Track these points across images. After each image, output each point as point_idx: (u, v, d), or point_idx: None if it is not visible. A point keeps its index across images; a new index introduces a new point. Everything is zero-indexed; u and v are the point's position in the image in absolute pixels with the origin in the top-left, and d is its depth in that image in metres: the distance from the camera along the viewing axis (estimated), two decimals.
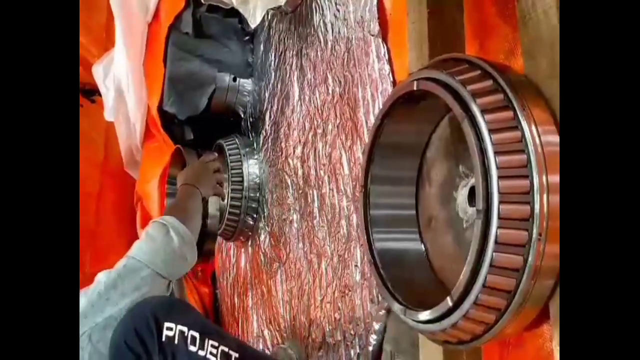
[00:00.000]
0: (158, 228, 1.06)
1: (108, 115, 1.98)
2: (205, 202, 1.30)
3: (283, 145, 1.45)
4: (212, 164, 1.38)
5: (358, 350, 1.02)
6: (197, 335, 0.87)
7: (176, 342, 0.85)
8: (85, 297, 0.93)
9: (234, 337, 1.08)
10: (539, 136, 0.56)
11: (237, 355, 0.90)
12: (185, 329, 0.87)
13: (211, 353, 0.87)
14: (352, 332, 1.05)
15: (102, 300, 0.93)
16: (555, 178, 0.55)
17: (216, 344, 0.89)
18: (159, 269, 0.99)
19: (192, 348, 0.86)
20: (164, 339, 0.85)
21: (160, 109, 1.76)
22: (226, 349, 0.89)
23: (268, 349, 1.41)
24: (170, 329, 0.86)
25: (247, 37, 1.74)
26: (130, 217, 2.08)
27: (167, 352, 0.85)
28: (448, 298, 0.60)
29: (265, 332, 1.45)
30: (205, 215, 1.35)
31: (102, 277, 0.96)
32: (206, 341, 0.88)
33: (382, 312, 0.94)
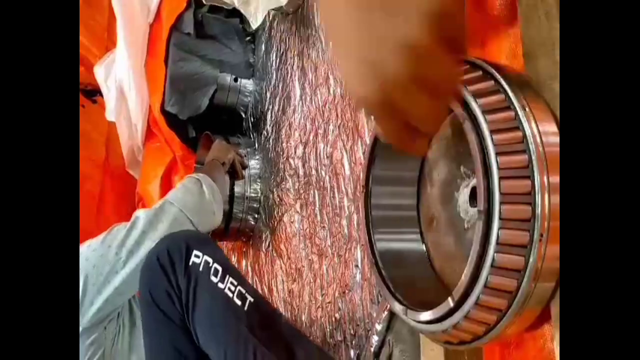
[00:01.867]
0: (193, 181, 1.19)
1: (109, 116, 1.99)
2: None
3: (284, 145, 1.45)
4: (235, 148, 1.54)
5: (358, 351, 1.02)
6: (220, 268, 0.95)
7: (200, 269, 0.93)
8: (125, 230, 1.11)
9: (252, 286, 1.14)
10: (540, 137, 0.57)
11: (252, 299, 0.96)
12: (210, 260, 0.95)
13: (229, 289, 0.94)
14: (352, 332, 1.05)
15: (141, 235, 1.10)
16: (556, 179, 0.55)
17: (235, 282, 0.96)
18: (190, 214, 1.12)
19: (214, 279, 0.93)
20: (190, 263, 0.93)
21: (162, 109, 1.76)
22: (243, 290, 0.96)
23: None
24: (197, 256, 0.94)
25: (248, 38, 1.74)
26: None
27: (191, 275, 0.92)
28: (449, 298, 0.60)
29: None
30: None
31: (140, 214, 1.13)
32: (227, 277, 0.95)
33: (385, 313, 0.94)
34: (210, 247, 0.99)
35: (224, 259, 1.01)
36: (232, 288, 0.94)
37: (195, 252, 0.94)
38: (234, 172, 1.51)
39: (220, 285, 0.93)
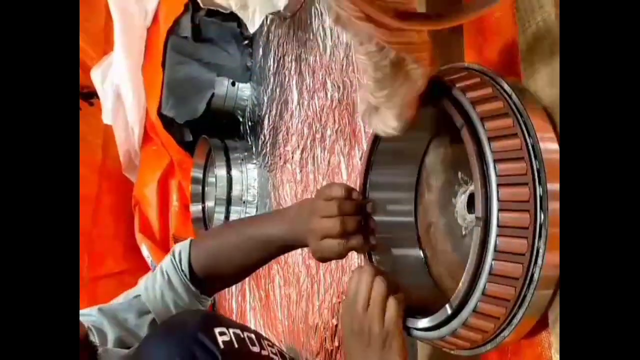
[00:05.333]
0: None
1: (106, 119, 1.98)
2: None
3: (282, 150, 1.45)
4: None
5: None
6: (252, 335, 0.80)
7: (236, 345, 0.74)
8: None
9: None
10: (539, 144, 0.56)
11: (289, 354, 0.87)
12: (238, 330, 0.77)
13: (272, 352, 0.81)
14: None
15: None
16: (555, 186, 0.55)
17: (270, 342, 0.84)
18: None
19: (255, 349, 0.78)
20: (221, 345, 0.72)
21: (159, 112, 1.76)
22: (281, 349, 0.86)
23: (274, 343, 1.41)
24: (223, 333, 0.74)
25: (246, 42, 1.74)
26: (128, 221, 2.07)
27: (229, 358, 0.72)
28: (447, 306, 0.60)
29: (270, 336, 1.45)
30: None
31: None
32: (262, 341, 0.81)
33: None
34: (223, 317, 0.82)
35: (239, 322, 0.86)
36: (273, 350, 0.82)
37: (217, 330, 0.73)
38: None
39: (264, 352, 0.79)
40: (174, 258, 0.86)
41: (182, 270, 0.84)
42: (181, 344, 0.70)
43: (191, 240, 0.87)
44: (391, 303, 0.64)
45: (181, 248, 0.86)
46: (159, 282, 0.85)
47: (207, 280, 0.86)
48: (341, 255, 0.73)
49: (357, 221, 0.73)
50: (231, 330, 0.75)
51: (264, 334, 1.43)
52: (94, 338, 0.78)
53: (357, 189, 0.76)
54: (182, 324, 0.74)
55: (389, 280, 0.66)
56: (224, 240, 0.85)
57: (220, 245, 0.85)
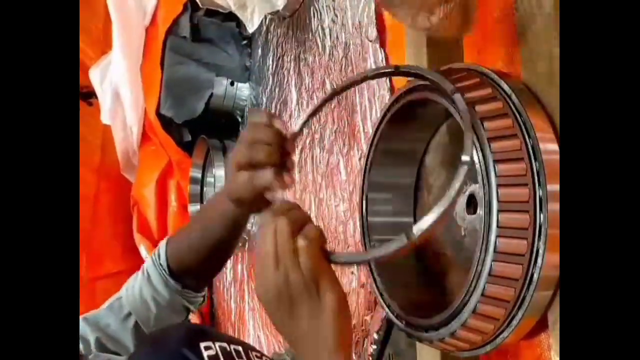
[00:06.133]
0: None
1: (105, 119, 1.98)
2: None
3: None
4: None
5: (354, 358, 1.02)
6: (239, 348, 0.75)
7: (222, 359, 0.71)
8: None
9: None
10: (538, 144, 0.56)
11: (289, 357, 0.85)
12: (225, 344, 0.73)
13: None
14: None
15: None
16: (554, 187, 0.55)
17: (259, 354, 0.79)
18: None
19: None
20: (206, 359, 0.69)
21: (158, 112, 1.76)
22: (268, 357, 0.81)
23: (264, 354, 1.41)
24: (209, 347, 0.70)
25: (244, 42, 1.73)
26: (127, 221, 2.06)
27: None
28: (446, 307, 0.60)
29: (262, 336, 1.44)
30: None
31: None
32: (250, 352, 0.76)
33: (382, 321, 0.94)
34: (208, 330, 0.78)
35: (227, 335, 0.82)
36: None
37: (202, 344, 0.70)
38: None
39: None
40: (154, 254, 0.85)
41: (161, 264, 0.83)
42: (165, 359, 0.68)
43: (168, 237, 0.87)
44: (301, 244, 0.54)
45: (160, 245, 0.85)
46: (139, 280, 0.84)
47: (186, 272, 0.84)
48: (253, 192, 0.65)
49: (268, 151, 0.64)
50: (217, 344, 0.72)
51: (262, 335, 1.43)
52: (80, 347, 0.77)
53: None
54: (166, 339, 0.72)
55: (295, 215, 0.56)
56: (191, 227, 0.85)
57: (188, 234, 0.84)
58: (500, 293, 0.56)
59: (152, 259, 0.84)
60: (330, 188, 1.16)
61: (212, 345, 0.71)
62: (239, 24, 1.68)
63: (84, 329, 0.80)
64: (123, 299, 0.84)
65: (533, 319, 0.58)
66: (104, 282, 2.01)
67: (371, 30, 1.05)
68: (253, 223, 1.52)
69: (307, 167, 1.28)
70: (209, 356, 0.69)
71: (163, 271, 0.83)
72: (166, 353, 0.68)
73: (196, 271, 0.85)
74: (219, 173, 1.63)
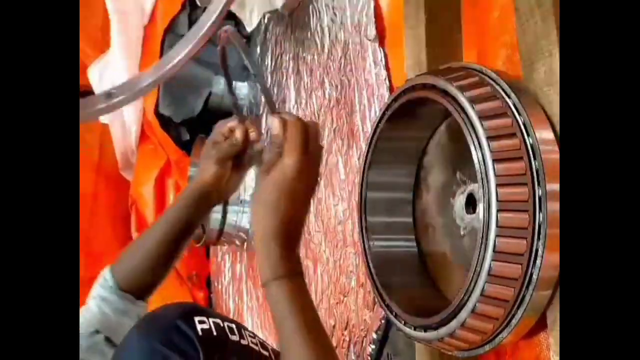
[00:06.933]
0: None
1: (103, 118, 1.97)
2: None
3: None
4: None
5: (353, 357, 1.02)
6: (233, 325, 0.78)
7: (215, 333, 0.74)
8: None
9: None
10: (538, 143, 0.56)
11: (271, 345, 0.86)
12: (219, 320, 0.77)
13: (252, 342, 0.79)
14: (346, 338, 1.04)
15: None
16: (554, 186, 0.54)
17: (252, 333, 0.82)
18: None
19: (234, 338, 0.77)
20: (200, 332, 0.72)
21: (156, 111, 1.76)
22: (261, 340, 0.83)
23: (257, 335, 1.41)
24: (203, 321, 0.74)
25: (243, 40, 1.73)
26: (125, 220, 2.06)
27: (208, 345, 0.72)
28: (446, 306, 0.60)
29: (261, 336, 1.44)
30: None
31: None
32: (243, 331, 0.80)
33: (381, 321, 0.94)
34: (203, 308, 0.83)
35: (225, 315, 0.87)
36: (254, 341, 0.80)
37: (197, 318, 0.74)
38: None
39: (243, 342, 0.77)
40: (98, 279, 0.86)
41: (107, 280, 0.85)
42: (160, 330, 0.72)
43: (111, 265, 0.88)
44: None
45: (101, 272, 0.87)
46: (92, 302, 0.85)
47: (136, 281, 0.86)
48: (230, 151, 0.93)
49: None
50: (211, 320, 0.76)
51: (261, 335, 1.43)
52: None
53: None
54: (163, 314, 0.76)
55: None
56: (142, 235, 0.91)
57: (137, 240, 0.91)
58: (500, 293, 0.55)
59: (99, 282, 0.86)
60: (329, 187, 1.16)
61: (206, 320, 0.75)
62: (238, 23, 1.67)
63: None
64: (80, 320, 0.83)
65: (532, 319, 0.58)
66: None
67: (370, 29, 1.04)
68: (250, 223, 1.52)
69: None
70: (202, 329, 0.73)
71: (112, 286, 0.84)
72: (162, 324, 0.73)
73: (148, 276, 0.88)
74: None
